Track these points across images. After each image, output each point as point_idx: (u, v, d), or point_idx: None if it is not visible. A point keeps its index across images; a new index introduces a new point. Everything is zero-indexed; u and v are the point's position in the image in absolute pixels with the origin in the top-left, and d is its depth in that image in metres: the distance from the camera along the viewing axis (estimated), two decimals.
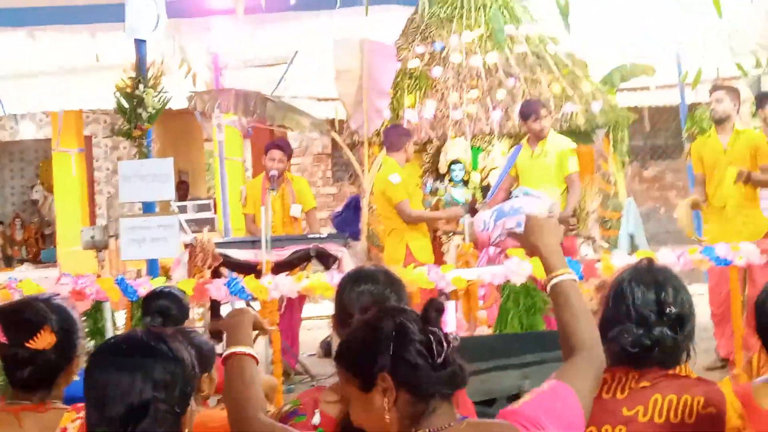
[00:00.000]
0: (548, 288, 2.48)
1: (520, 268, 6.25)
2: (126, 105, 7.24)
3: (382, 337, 2.11)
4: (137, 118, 7.18)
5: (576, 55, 9.55)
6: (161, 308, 4.65)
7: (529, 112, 8.12)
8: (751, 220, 7.70)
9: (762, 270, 6.73)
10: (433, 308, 2.17)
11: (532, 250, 2.58)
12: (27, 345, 2.75)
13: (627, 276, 2.75)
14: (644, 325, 2.64)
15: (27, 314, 2.83)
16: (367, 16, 9.54)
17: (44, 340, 2.77)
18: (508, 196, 8.04)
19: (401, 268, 6.48)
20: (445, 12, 9.57)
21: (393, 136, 8.26)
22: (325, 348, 9.20)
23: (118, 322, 6.98)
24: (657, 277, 2.71)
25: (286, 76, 13.17)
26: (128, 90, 7.24)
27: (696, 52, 11.75)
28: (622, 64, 10.80)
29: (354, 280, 2.98)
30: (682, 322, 2.67)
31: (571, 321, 2.39)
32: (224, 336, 2.68)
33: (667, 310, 2.65)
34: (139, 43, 7.38)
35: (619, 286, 2.72)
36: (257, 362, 2.63)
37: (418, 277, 6.11)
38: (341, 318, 2.89)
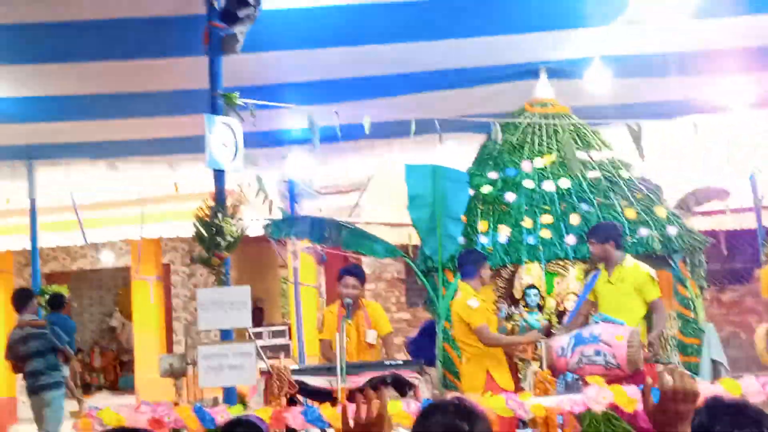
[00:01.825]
0: None
1: (600, 396, 6.15)
2: (204, 233, 7.37)
3: None
4: (216, 247, 7.29)
5: (650, 180, 9.53)
6: None
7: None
8: None
9: None
10: None
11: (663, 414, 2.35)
12: None
13: (707, 419, 2.54)
14: None
15: None
16: (440, 143, 9.68)
17: None
18: (587, 321, 7.96)
19: (478, 395, 6.42)
20: (517, 139, 9.67)
21: (468, 262, 8.28)
22: None
23: None
24: (751, 417, 2.51)
25: (359, 203, 13.36)
26: (206, 219, 7.38)
27: None
28: (697, 188, 10.76)
29: (426, 412, 2.97)
30: None
31: None
32: None
33: None
34: (218, 173, 7.56)
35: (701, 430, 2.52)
36: None
37: (497, 405, 6.04)
38: None
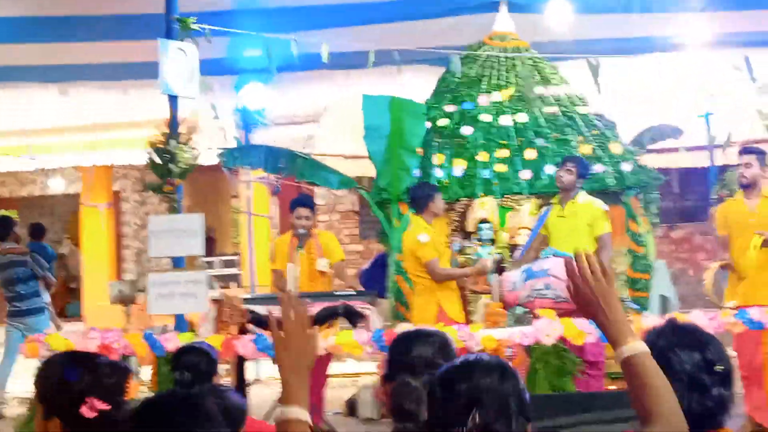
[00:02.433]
0: (619, 360, 2.39)
1: (550, 329, 6.21)
2: (157, 160, 7.28)
3: None
4: (169, 174, 7.22)
5: (606, 116, 9.54)
6: (191, 364, 4.63)
7: (560, 163, 8.13)
8: None
9: None
10: None
11: (591, 313, 2.44)
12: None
13: (664, 342, 2.64)
14: (701, 389, 2.56)
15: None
16: (398, 75, 9.60)
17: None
18: (538, 256, 8.00)
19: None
20: (475, 72, 9.61)
21: (419, 195, 8.26)
22: (351, 406, 9.13)
23: (144, 376, 6.96)
24: (697, 337, 2.64)
25: (315, 134, 13.26)
26: (160, 146, 7.29)
27: (726, 114, 11.75)
28: (651, 125, 10.81)
29: (406, 338, 3.10)
30: (730, 376, 2.62)
31: (650, 395, 2.33)
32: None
33: (717, 368, 2.58)
34: (172, 100, 7.45)
35: (660, 353, 2.57)
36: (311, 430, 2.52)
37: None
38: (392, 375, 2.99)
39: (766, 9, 9.93)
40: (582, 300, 2.42)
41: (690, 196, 15.52)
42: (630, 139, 9.96)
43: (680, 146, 12.18)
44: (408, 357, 3.07)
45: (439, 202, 8.27)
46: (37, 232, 12.07)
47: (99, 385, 2.80)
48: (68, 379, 2.80)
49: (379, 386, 3.10)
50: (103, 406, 2.71)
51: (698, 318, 6.11)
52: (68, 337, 6.62)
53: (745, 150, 8.06)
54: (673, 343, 2.62)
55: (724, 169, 11.20)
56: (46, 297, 10.43)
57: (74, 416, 2.75)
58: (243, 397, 3.72)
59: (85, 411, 2.71)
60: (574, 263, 2.42)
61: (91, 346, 6.36)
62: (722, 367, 2.58)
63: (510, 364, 2.46)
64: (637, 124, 10.66)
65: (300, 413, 2.47)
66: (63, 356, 3.09)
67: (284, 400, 2.50)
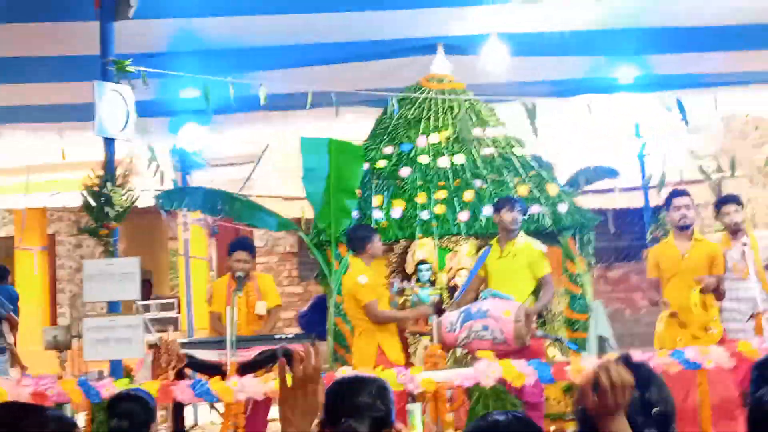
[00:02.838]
0: None
1: (489, 370, 6.21)
2: (93, 203, 7.20)
3: None
4: (104, 217, 7.13)
5: (542, 158, 9.64)
6: (128, 411, 4.56)
7: (502, 204, 8.16)
8: (708, 326, 7.77)
9: (718, 374, 6.78)
10: None
11: (605, 421, 2.34)
12: None
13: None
14: (633, 427, 2.46)
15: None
16: (336, 117, 9.62)
17: None
18: (477, 297, 8.02)
19: (369, 369, 6.40)
20: (413, 114, 9.67)
21: (357, 237, 8.25)
22: None
23: (78, 424, 6.80)
24: (641, 374, 2.57)
25: (253, 176, 13.22)
26: (95, 188, 7.20)
27: (659, 155, 11.93)
28: (587, 166, 10.93)
29: (348, 382, 3.10)
30: (668, 421, 2.56)
31: None
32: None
33: (653, 411, 2.53)
34: (108, 142, 7.38)
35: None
36: None
37: (387, 379, 6.02)
38: (333, 417, 2.98)
39: (697, 52, 10.14)
40: (603, 408, 2.32)
41: (626, 236, 15.68)
42: (566, 180, 10.06)
43: (615, 187, 12.35)
44: (349, 402, 3.05)
45: (377, 244, 8.25)
46: (1, 274, 12.34)
47: None
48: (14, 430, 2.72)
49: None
50: None
51: (636, 358, 6.14)
52: (1, 384, 6.47)
53: (681, 192, 8.20)
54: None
55: (658, 209, 11.35)
56: (9, 338, 10.36)
57: None
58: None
59: None
60: (604, 371, 2.32)
61: (24, 393, 6.22)
62: (659, 409, 2.54)
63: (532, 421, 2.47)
64: (573, 165, 10.78)
65: None
66: (6, 407, 3.00)
67: None
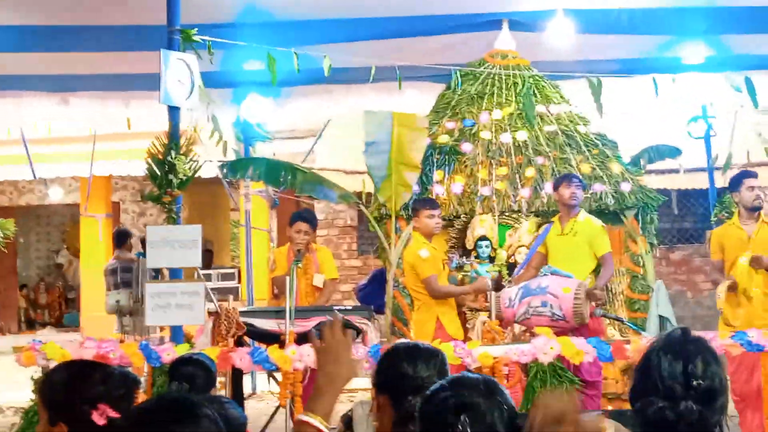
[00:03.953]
0: None
1: (547, 347, 6.19)
2: (157, 171, 7.27)
3: None
4: (168, 184, 7.20)
5: (606, 136, 9.54)
6: (189, 375, 4.61)
7: (560, 180, 8.13)
8: None
9: None
10: None
11: None
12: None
13: (657, 345, 2.57)
14: (670, 398, 2.46)
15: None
16: (399, 91, 9.61)
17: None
18: (537, 273, 7.98)
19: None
20: (476, 89, 9.62)
21: (410, 210, 8.27)
22: (346, 422, 9.08)
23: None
24: (688, 347, 2.52)
25: (315, 148, 13.26)
26: (160, 156, 7.28)
27: (726, 136, 11.76)
28: (651, 145, 10.80)
29: (408, 350, 3.14)
30: (712, 396, 2.49)
31: None
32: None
33: (695, 383, 2.47)
34: (173, 111, 7.45)
35: (647, 356, 2.55)
36: None
37: (445, 352, 6.03)
38: (393, 386, 3.04)
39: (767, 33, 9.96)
40: None
41: (689, 217, 15.53)
42: (629, 159, 9.96)
43: (680, 167, 12.20)
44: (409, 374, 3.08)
45: (423, 220, 8.16)
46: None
47: (109, 393, 2.83)
48: (80, 386, 2.84)
49: (373, 397, 3.11)
50: (113, 414, 2.74)
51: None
52: (65, 346, 6.60)
53: (752, 173, 8.09)
54: (663, 347, 2.54)
55: (723, 191, 11.20)
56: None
57: (82, 422, 2.78)
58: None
59: (96, 417, 2.74)
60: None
61: (87, 355, 6.33)
62: (703, 383, 2.48)
63: (495, 380, 2.53)
64: (638, 144, 10.66)
65: (320, 424, 2.63)
66: (75, 363, 3.13)
67: (311, 406, 2.68)
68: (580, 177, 8.28)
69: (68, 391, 2.85)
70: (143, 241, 12.21)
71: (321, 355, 2.73)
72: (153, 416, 2.20)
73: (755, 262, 7.64)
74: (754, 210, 7.89)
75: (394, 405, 3.01)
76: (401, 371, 3.07)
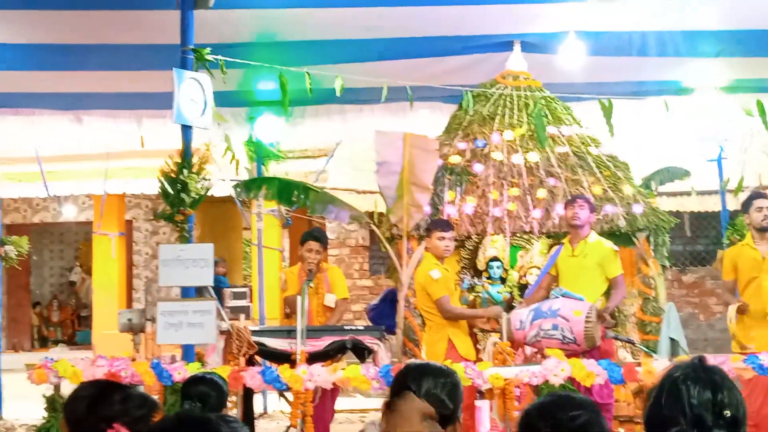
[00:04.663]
0: None
1: (558, 368, 6.18)
2: (170, 189, 7.30)
3: None
4: (180, 203, 7.23)
5: (618, 158, 9.55)
6: (201, 394, 4.62)
7: (567, 202, 8.15)
8: None
9: None
10: None
11: None
12: None
13: (681, 373, 2.55)
14: (700, 427, 2.47)
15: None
16: (411, 111, 9.63)
17: None
18: (547, 295, 7.98)
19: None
20: (487, 110, 9.65)
21: (428, 229, 8.26)
22: None
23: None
24: (713, 377, 2.53)
25: (327, 168, 13.30)
26: (172, 175, 7.31)
27: (737, 158, 11.76)
28: (663, 167, 10.82)
29: (417, 369, 3.12)
30: (738, 425, 2.51)
31: None
32: None
33: (725, 412, 2.48)
34: (185, 129, 7.49)
35: (673, 383, 2.53)
36: None
37: (456, 372, 6.03)
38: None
39: None
40: None
41: (701, 240, 15.50)
42: (640, 181, 9.96)
43: (692, 189, 12.19)
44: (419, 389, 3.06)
45: (433, 242, 8.06)
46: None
47: (128, 413, 2.90)
48: (100, 404, 2.92)
49: (384, 413, 3.11)
50: None
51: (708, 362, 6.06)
52: (76, 364, 6.62)
53: (762, 195, 8.12)
54: (689, 375, 2.53)
55: (735, 213, 11.19)
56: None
57: None
58: (251, 430, 3.73)
59: None
60: None
61: (99, 373, 6.36)
62: (731, 413, 2.52)
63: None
64: (650, 166, 10.67)
65: None
66: (99, 383, 3.19)
67: None
68: (589, 198, 8.28)
69: (89, 409, 2.92)
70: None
71: None
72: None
73: None
74: (763, 230, 7.91)
75: None
76: (406, 387, 3.06)
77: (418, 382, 3.05)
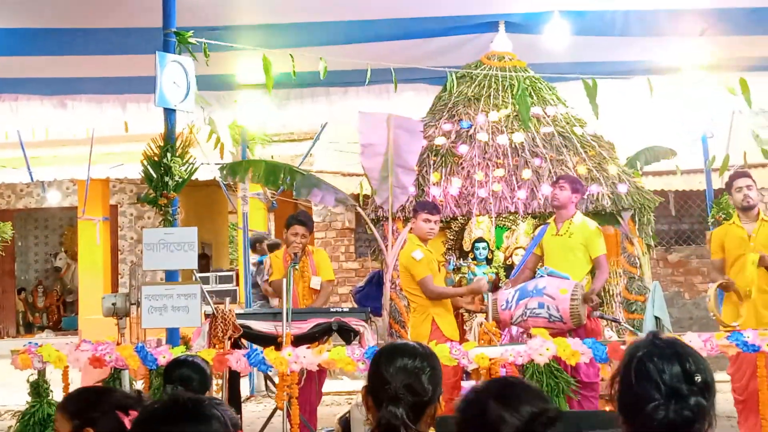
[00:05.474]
0: None
1: (543, 348, 6.18)
2: (153, 173, 7.27)
3: None
4: (164, 186, 7.20)
5: (603, 137, 9.56)
6: (183, 377, 4.61)
7: (555, 180, 8.16)
8: None
9: None
10: None
11: None
12: None
13: (643, 352, 2.64)
14: (678, 398, 2.56)
15: None
16: (396, 93, 9.60)
17: None
18: (533, 275, 7.99)
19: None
20: (472, 91, 9.63)
21: (415, 210, 8.25)
22: (344, 425, 9.08)
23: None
24: (676, 348, 2.63)
25: (312, 151, 13.27)
26: (155, 158, 7.28)
27: (723, 137, 11.77)
28: (647, 146, 10.82)
29: (390, 354, 3.07)
30: (709, 387, 2.60)
31: None
32: None
33: (696, 378, 2.58)
34: (169, 113, 7.45)
35: (639, 362, 2.61)
36: None
37: (441, 353, 6.04)
38: (375, 390, 2.96)
39: (763, 35, 9.95)
40: None
41: (686, 219, 15.53)
42: (625, 160, 9.97)
43: (677, 169, 12.21)
44: (394, 370, 3.04)
45: (418, 224, 8.08)
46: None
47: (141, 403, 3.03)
48: (108, 396, 3.10)
49: (363, 396, 3.09)
50: None
51: (693, 340, 6.09)
52: (61, 349, 6.59)
53: (742, 174, 8.12)
54: (653, 353, 2.62)
55: (720, 192, 11.22)
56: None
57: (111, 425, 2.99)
58: (237, 413, 3.72)
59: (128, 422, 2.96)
60: None
61: (83, 358, 6.33)
62: (701, 377, 2.58)
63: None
64: (634, 145, 10.67)
65: None
66: (83, 392, 3.29)
67: None
68: (574, 178, 8.27)
69: (99, 396, 3.10)
70: (269, 246, 12.58)
71: None
72: (165, 416, 2.24)
73: (762, 262, 7.68)
74: (745, 209, 7.92)
75: (377, 407, 3.00)
76: (380, 373, 3.05)
77: (392, 372, 3.04)
